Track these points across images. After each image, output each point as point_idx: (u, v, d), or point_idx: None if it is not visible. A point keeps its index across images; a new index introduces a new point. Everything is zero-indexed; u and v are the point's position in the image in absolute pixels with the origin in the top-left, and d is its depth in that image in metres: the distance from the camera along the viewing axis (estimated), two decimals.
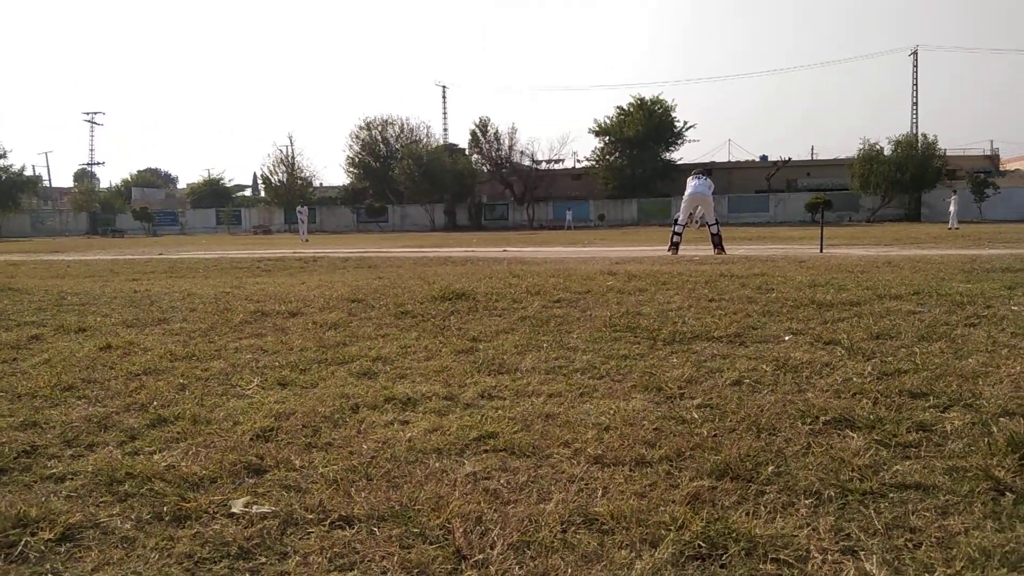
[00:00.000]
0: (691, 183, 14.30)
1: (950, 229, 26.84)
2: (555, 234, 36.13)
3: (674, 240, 13.75)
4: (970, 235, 20.00)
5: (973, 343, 3.99)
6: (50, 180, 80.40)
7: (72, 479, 2.41)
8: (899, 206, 51.51)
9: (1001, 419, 2.72)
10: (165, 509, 2.15)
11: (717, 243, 13.60)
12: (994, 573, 1.71)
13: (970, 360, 3.61)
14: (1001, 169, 61.29)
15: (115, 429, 2.92)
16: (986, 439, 2.52)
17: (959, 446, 2.50)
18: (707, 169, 16.28)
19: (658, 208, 58.63)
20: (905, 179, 49.28)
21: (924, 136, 51.68)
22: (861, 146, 51.78)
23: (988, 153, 63.28)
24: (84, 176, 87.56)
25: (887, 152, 50.89)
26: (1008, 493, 2.12)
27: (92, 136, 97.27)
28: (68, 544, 1.97)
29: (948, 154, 53.20)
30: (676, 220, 14.40)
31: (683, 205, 14.31)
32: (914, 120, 64.68)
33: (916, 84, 65.16)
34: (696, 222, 14.81)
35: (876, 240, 18.13)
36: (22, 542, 1.96)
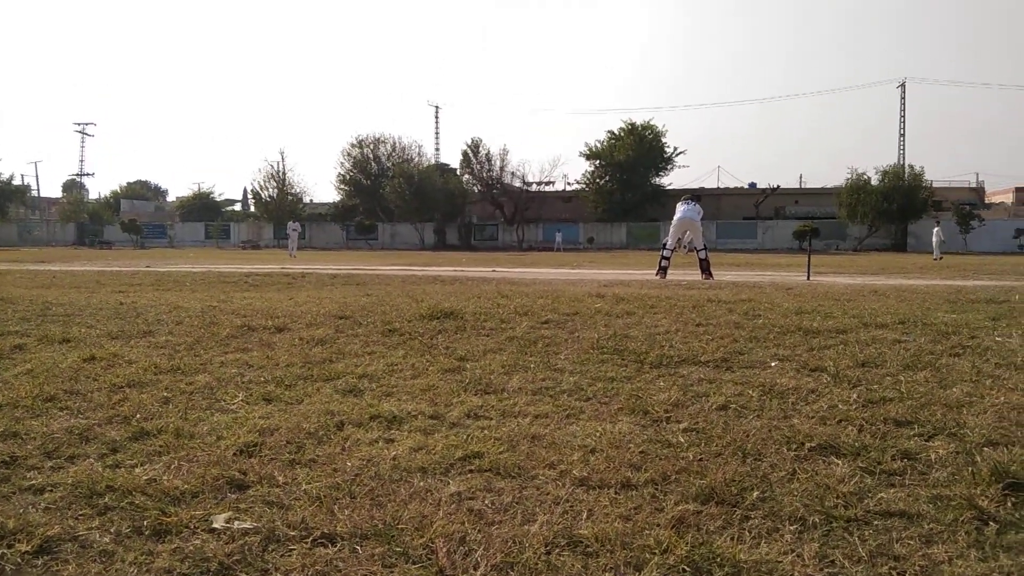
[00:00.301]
0: (680, 208, 14.41)
1: (935, 260, 27.08)
2: (544, 256, 36.18)
3: (662, 264, 13.83)
4: (955, 266, 20.17)
5: (958, 373, 4.01)
6: (39, 190, 79.92)
7: (51, 491, 2.38)
8: (886, 236, 51.93)
9: (985, 449, 2.73)
10: (145, 523, 2.13)
11: (705, 268, 13.67)
12: None
13: (955, 389, 3.63)
14: (986, 201, 62.01)
15: (97, 441, 2.89)
16: (970, 468, 2.52)
17: (943, 475, 2.51)
18: (696, 195, 16.42)
19: (647, 232, 58.85)
20: (892, 209, 49.74)
21: (911, 167, 52.28)
22: (849, 175, 52.27)
23: (973, 185, 64.05)
24: (73, 187, 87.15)
25: (874, 182, 51.40)
26: (992, 523, 2.12)
27: (83, 146, 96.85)
28: (45, 557, 1.94)
29: (934, 185, 53.80)
30: (664, 245, 14.47)
31: (672, 230, 14.43)
32: (901, 151, 65.34)
33: (903, 116, 65.89)
34: (684, 247, 14.93)
35: (862, 269, 18.26)
36: None
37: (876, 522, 2.15)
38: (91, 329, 5.54)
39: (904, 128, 65.78)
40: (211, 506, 2.26)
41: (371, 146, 66.47)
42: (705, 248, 14.07)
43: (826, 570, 1.87)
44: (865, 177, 51.61)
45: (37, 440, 2.87)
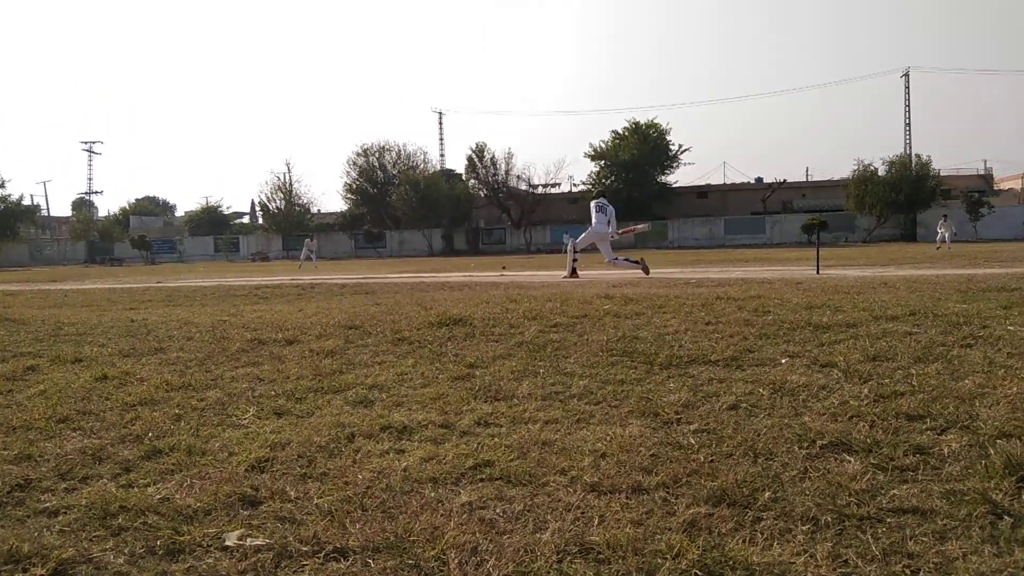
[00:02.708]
0: (594, 217, 14.48)
1: (938, 249, 26.82)
2: (552, 258, 36.16)
3: (573, 266, 14.29)
4: (966, 254, 20.05)
5: (970, 364, 3.98)
6: (48, 209, 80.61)
7: (66, 513, 2.39)
8: (895, 226, 51.68)
9: (998, 441, 2.72)
10: (159, 543, 2.14)
11: (643, 264, 14.11)
12: None
13: (967, 381, 3.60)
14: (995, 188, 61.59)
15: (110, 461, 2.90)
16: (983, 461, 2.51)
17: (956, 469, 2.49)
18: (603, 192, 16.55)
19: (655, 231, 58.68)
20: (900, 199, 49.51)
21: (918, 156, 52.03)
22: (856, 167, 52.05)
23: (982, 172, 63.64)
24: (82, 205, 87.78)
25: (881, 172, 51.16)
26: (1006, 517, 2.11)
27: (90, 165, 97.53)
28: None
29: (942, 173, 53.51)
30: (575, 248, 14.62)
31: (584, 236, 14.60)
32: (907, 140, 65.08)
33: (908, 105, 65.63)
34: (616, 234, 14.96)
35: (872, 260, 18.18)
36: None
37: (889, 519, 2.14)
38: (103, 348, 5.58)
39: (909, 117, 65.54)
40: (224, 523, 2.27)
41: (376, 154, 66.66)
42: (616, 258, 14.46)
43: (839, 570, 1.86)
44: (872, 168, 51.40)
45: (51, 462, 2.89)
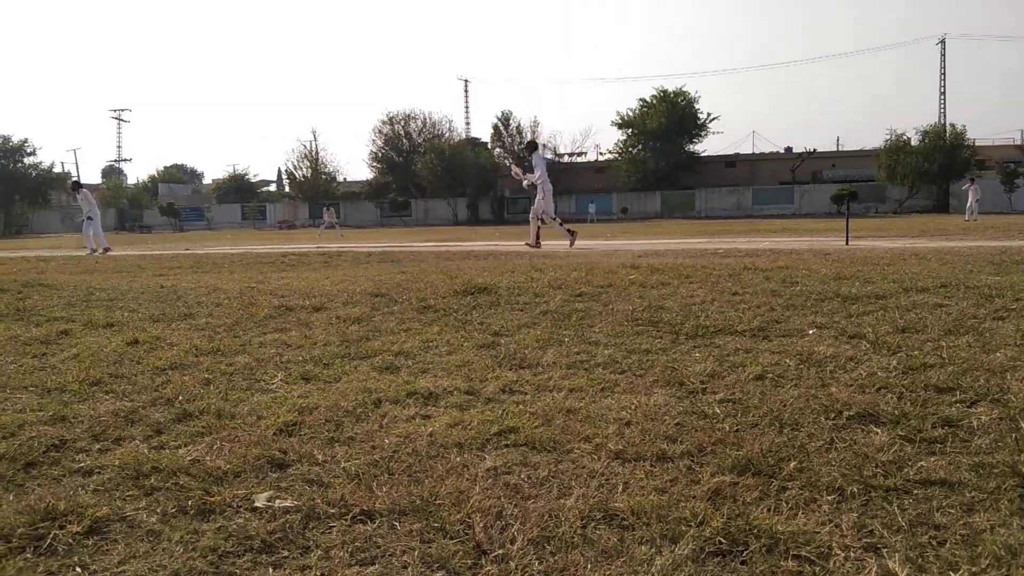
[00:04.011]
0: (543, 171, 14.25)
1: (967, 221, 26.25)
2: (578, 227, 36.03)
3: (568, 229, 14.15)
4: (999, 226, 19.69)
5: (1001, 337, 3.93)
6: (79, 176, 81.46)
7: (99, 473, 2.44)
8: (927, 197, 50.85)
9: None
10: (190, 503, 2.18)
11: (570, 232, 14.04)
12: (1019, 571, 1.69)
13: (998, 354, 3.55)
14: None
15: (141, 423, 2.96)
16: (1014, 435, 2.48)
17: (985, 442, 2.47)
18: (533, 144, 16.28)
19: (682, 201, 58.27)
20: (933, 170, 48.64)
21: (952, 126, 51.00)
22: (888, 136, 51.14)
23: (1018, 143, 62.22)
24: (112, 173, 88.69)
25: (914, 142, 50.23)
26: None
27: (119, 133, 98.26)
28: (95, 537, 2.00)
29: (977, 144, 52.42)
30: (544, 214, 14.33)
31: (548, 200, 14.28)
32: (942, 110, 63.77)
33: (944, 73, 64.24)
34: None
35: (903, 232, 17.91)
36: (51, 535, 2.00)
37: (916, 491, 2.12)
38: (134, 313, 5.66)
39: (944, 86, 64.14)
40: (253, 485, 2.31)
41: (402, 123, 66.59)
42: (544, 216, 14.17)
43: (865, 540, 1.86)
44: (905, 138, 50.48)
45: (84, 423, 2.95)
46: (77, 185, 20.79)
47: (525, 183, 14.50)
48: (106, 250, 17.44)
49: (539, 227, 14.22)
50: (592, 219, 49.56)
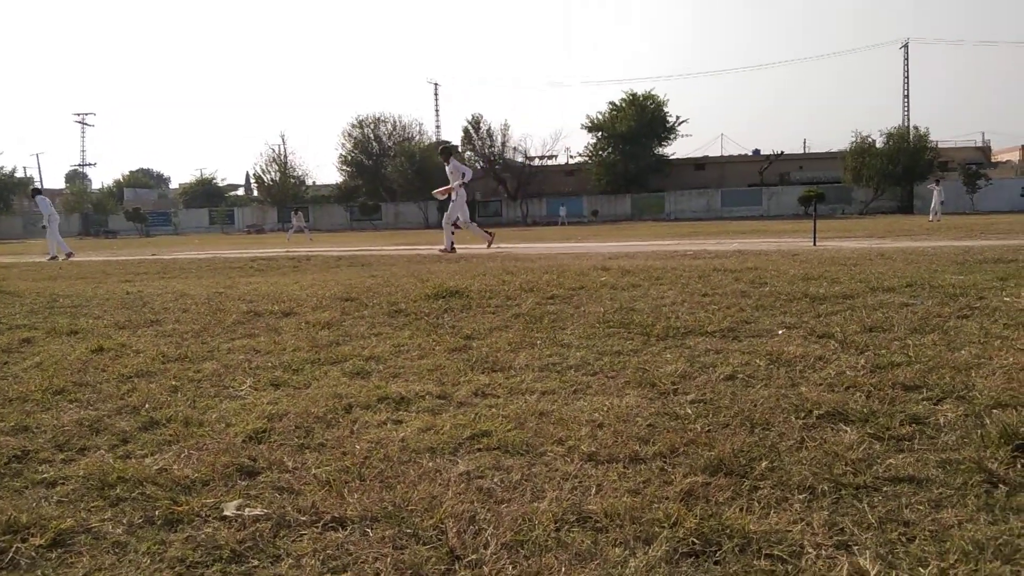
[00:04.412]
0: (460, 177, 14.46)
1: (931, 221, 26.72)
2: (549, 230, 36.11)
3: (452, 242, 14.33)
4: (962, 226, 20.06)
5: (966, 335, 3.99)
6: (42, 181, 79.97)
7: (63, 484, 2.39)
8: (892, 198, 51.68)
9: (994, 411, 2.72)
10: (157, 513, 2.14)
11: (487, 234, 14.52)
12: (987, 566, 1.71)
13: (963, 352, 3.61)
14: (992, 160, 61.48)
15: (107, 432, 2.90)
16: (979, 431, 2.52)
17: (952, 439, 2.50)
18: (448, 148, 16.60)
19: (651, 203, 58.64)
20: (897, 171, 49.48)
21: (916, 128, 51.91)
22: (853, 139, 51.90)
23: (980, 145, 63.50)
24: (76, 177, 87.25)
25: (879, 145, 51.04)
26: (1001, 486, 2.12)
27: (83, 137, 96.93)
28: (59, 550, 1.95)
29: (940, 146, 53.40)
30: (455, 222, 14.63)
31: (459, 206, 14.50)
32: (906, 113, 64.81)
33: (907, 77, 65.27)
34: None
35: (869, 232, 18.18)
36: (12, 548, 1.95)
37: (885, 488, 2.14)
38: (98, 320, 5.56)
39: (908, 89, 65.20)
40: (222, 494, 2.27)
41: (371, 126, 66.33)
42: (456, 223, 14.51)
43: (836, 538, 1.87)
44: (870, 140, 51.29)
45: (48, 433, 2.89)
46: (36, 191, 20.38)
47: (454, 194, 14.60)
48: (69, 255, 17.14)
49: (453, 232, 14.50)
50: (563, 222, 49.68)
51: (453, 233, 14.38)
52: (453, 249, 14.03)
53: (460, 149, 63.63)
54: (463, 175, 14.33)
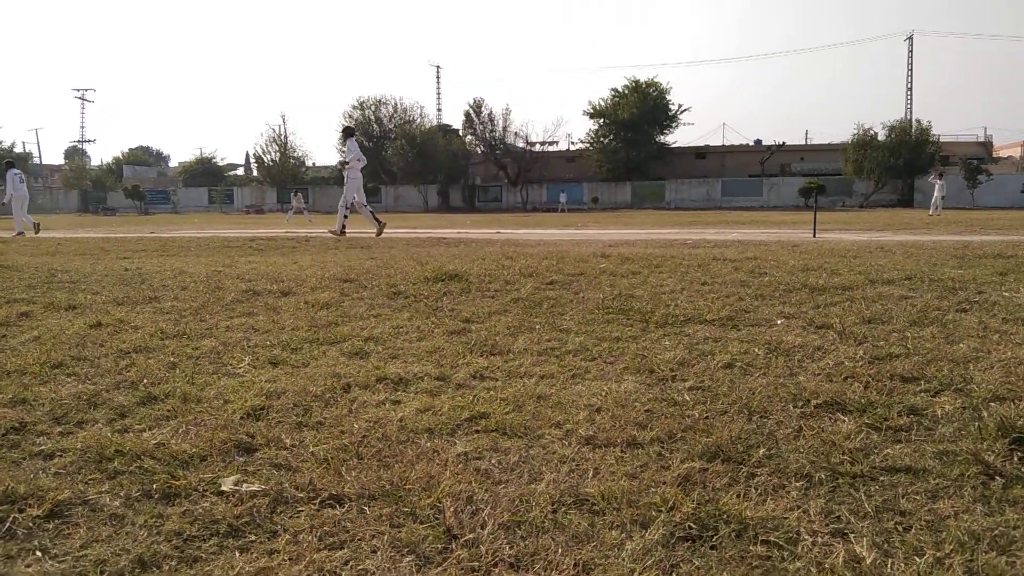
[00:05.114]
0: (358, 159, 14.75)
1: (931, 215, 26.74)
2: (549, 216, 36.06)
3: (344, 224, 14.69)
4: (962, 221, 20.05)
5: (965, 328, 3.99)
6: (40, 157, 79.84)
7: (61, 456, 2.39)
8: (892, 191, 51.65)
9: (991, 404, 2.73)
10: (154, 487, 2.14)
11: (378, 221, 14.65)
12: (983, 556, 1.71)
13: (961, 345, 3.61)
14: (994, 156, 61.41)
15: (105, 407, 2.90)
16: (976, 423, 2.52)
17: (950, 430, 2.51)
18: (350, 129, 16.51)
19: (652, 191, 58.58)
20: (899, 165, 49.43)
21: (918, 122, 51.80)
22: (855, 131, 51.79)
23: (981, 140, 63.39)
24: (75, 154, 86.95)
25: (881, 137, 50.94)
26: (998, 477, 2.12)
27: (83, 113, 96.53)
28: (56, 521, 1.96)
29: (942, 140, 53.31)
30: (350, 205, 14.95)
31: (352, 189, 14.83)
32: (908, 106, 64.70)
33: (911, 70, 65.16)
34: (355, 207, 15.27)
35: (869, 225, 18.17)
36: (10, 519, 1.95)
37: (882, 478, 2.15)
38: (97, 296, 5.55)
39: (911, 82, 65.10)
40: (219, 469, 2.28)
41: (372, 108, 66.10)
42: (351, 207, 14.88)
43: (832, 525, 1.88)
44: (872, 132, 51.18)
45: (46, 406, 2.89)
46: (9, 164, 19.99)
47: (346, 177, 15.00)
48: (19, 234, 16.99)
49: (346, 215, 14.78)
50: (563, 209, 49.60)
51: (346, 216, 14.78)
52: (343, 231, 14.40)
53: (461, 133, 63.49)
54: (358, 159, 14.74)
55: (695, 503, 1.97)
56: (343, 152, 14.95)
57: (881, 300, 4.82)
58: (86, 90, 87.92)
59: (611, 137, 60.75)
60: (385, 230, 14.58)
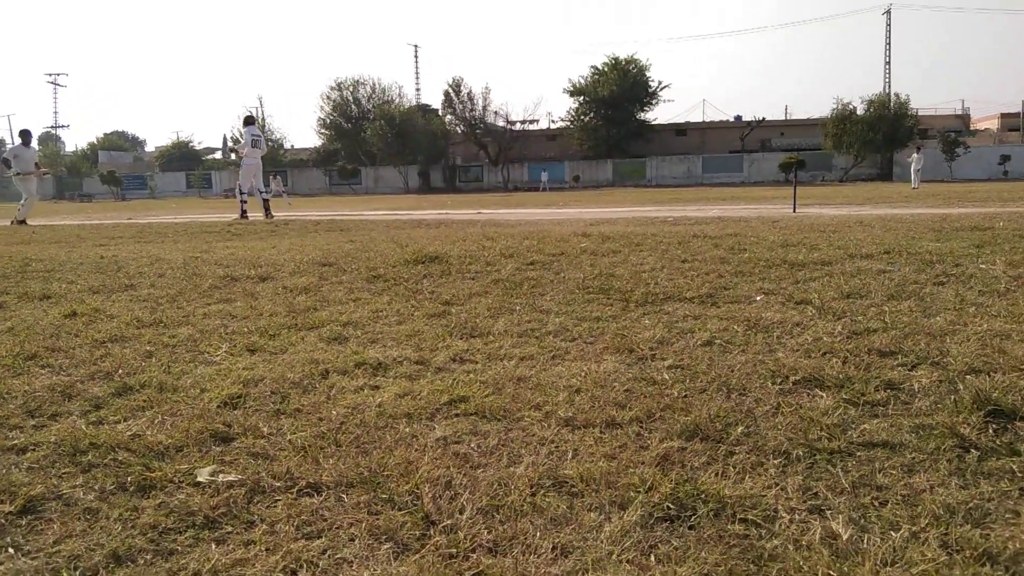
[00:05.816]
0: (252, 147, 15.27)
1: (914, 189, 26.97)
2: (530, 196, 35.98)
3: (243, 209, 15.24)
4: (940, 194, 20.20)
5: (942, 301, 4.02)
6: (13, 143, 78.56)
7: (34, 450, 2.36)
8: (871, 165, 51.94)
9: (968, 376, 2.75)
10: (129, 479, 2.11)
11: (267, 209, 15.19)
12: (958, 530, 1.72)
13: (938, 318, 3.64)
14: (971, 128, 61.82)
15: (79, 398, 2.86)
16: (952, 397, 2.54)
17: (926, 404, 2.52)
18: (250, 118, 17.21)
19: (633, 169, 58.58)
20: (878, 139, 49.67)
21: (896, 96, 51.98)
22: (835, 106, 51.94)
23: (959, 112, 63.77)
24: (49, 139, 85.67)
25: (860, 112, 51.13)
26: (973, 450, 2.14)
27: (55, 98, 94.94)
28: (29, 517, 1.93)
29: (920, 113, 53.57)
30: (241, 190, 15.62)
31: (246, 174, 15.47)
32: (887, 80, 64.87)
33: (889, 44, 65.23)
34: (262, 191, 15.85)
35: (848, 199, 18.26)
36: None
37: (859, 453, 2.16)
38: (72, 284, 5.48)
39: (890, 56, 65.23)
40: (195, 460, 2.25)
41: (351, 88, 65.52)
42: (268, 189, 15.76)
43: (809, 502, 1.88)
44: (851, 107, 51.36)
45: (19, 399, 2.85)
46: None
47: (241, 162, 15.53)
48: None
49: (244, 200, 15.28)
50: (544, 187, 49.50)
51: (245, 201, 15.18)
52: (245, 215, 14.79)
53: (440, 113, 63.07)
54: (252, 144, 15.14)
55: (673, 483, 1.97)
56: (243, 139, 15.42)
57: (860, 275, 4.84)
58: (58, 75, 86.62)
59: (591, 115, 60.60)
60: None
